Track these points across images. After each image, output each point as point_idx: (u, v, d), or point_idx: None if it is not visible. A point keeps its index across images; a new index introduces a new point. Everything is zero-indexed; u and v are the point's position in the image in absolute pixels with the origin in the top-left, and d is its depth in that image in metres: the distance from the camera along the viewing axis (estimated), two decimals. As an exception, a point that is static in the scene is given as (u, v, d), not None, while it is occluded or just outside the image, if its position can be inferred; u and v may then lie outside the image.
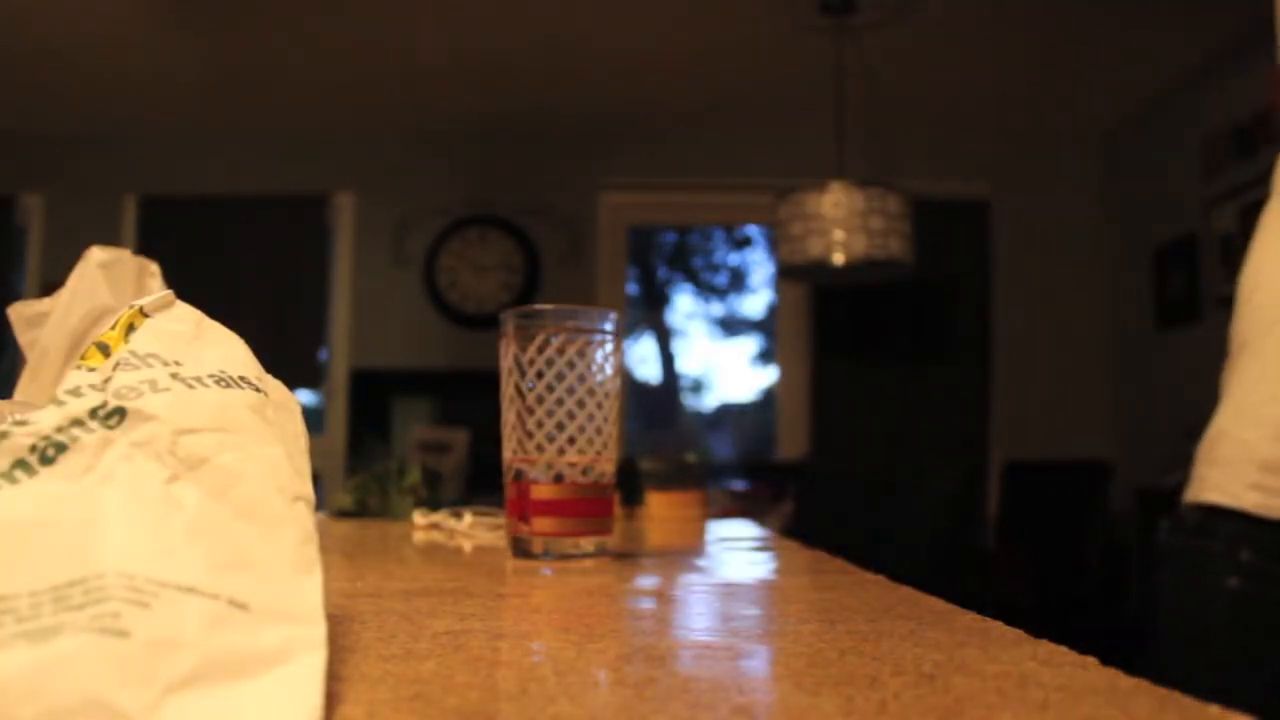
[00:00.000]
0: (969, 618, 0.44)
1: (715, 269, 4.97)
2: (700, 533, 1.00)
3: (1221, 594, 1.06)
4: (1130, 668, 0.33)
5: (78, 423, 0.29)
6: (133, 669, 0.22)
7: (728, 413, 4.89)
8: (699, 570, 0.66)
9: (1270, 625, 1.04)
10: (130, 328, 0.34)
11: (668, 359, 4.78)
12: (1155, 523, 1.22)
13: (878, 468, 3.61)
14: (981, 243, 3.92)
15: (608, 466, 0.68)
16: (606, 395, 0.67)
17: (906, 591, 0.53)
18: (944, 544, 3.35)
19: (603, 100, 3.71)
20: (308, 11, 3.03)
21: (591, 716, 0.27)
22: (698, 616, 0.46)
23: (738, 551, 0.80)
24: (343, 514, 1.17)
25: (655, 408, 4.80)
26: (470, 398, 3.77)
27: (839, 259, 2.67)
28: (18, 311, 0.55)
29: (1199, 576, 1.09)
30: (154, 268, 0.58)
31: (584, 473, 0.66)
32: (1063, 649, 0.36)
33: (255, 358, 0.36)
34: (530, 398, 0.66)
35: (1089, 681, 0.32)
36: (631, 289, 4.40)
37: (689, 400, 4.95)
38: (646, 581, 0.59)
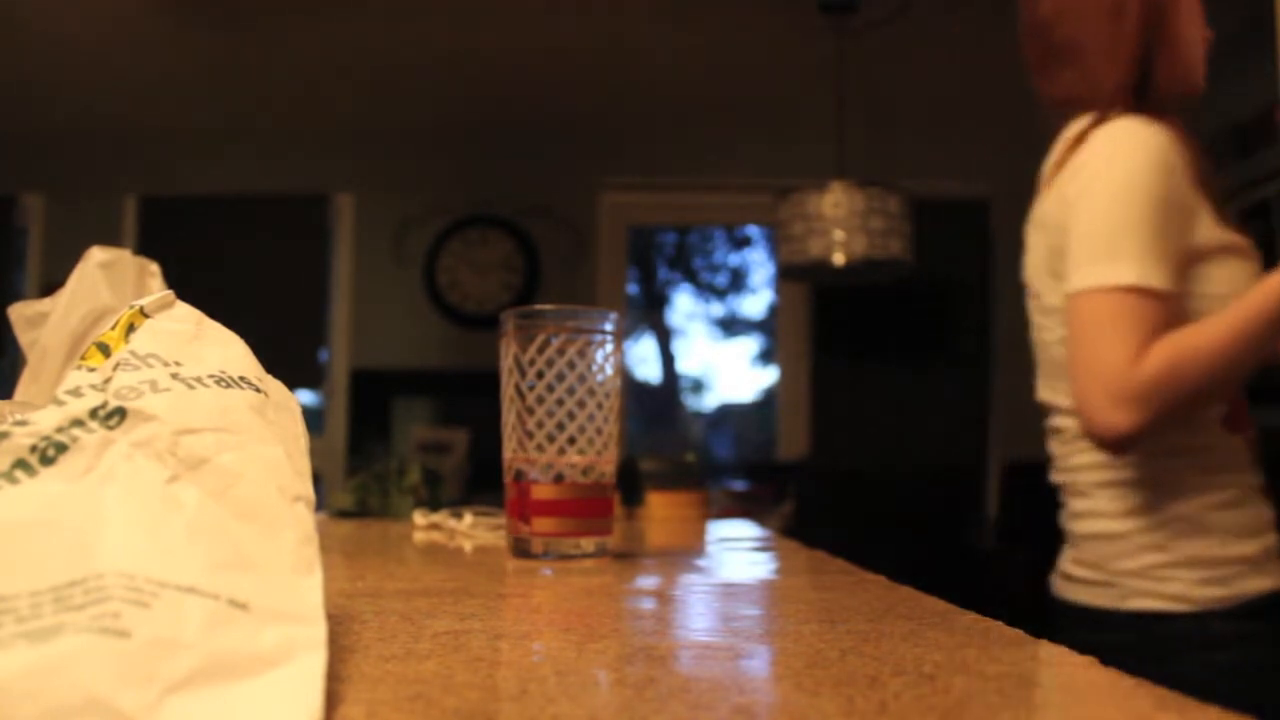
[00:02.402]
0: (969, 618, 0.44)
1: (715, 269, 4.97)
2: (700, 533, 1.00)
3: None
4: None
5: (78, 423, 0.29)
6: (133, 669, 0.22)
7: (728, 413, 4.89)
8: (699, 570, 0.66)
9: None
10: (130, 328, 0.34)
11: (668, 359, 4.78)
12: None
13: (878, 468, 3.61)
14: (981, 243, 3.92)
15: (608, 466, 0.68)
16: (607, 395, 0.67)
17: (907, 592, 0.53)
18: (944, 544, 3.35)
19: (603, 100, 3.71)
20: (308, 11, 3.03)
21: (591, 716, 0.27)
22: (698, 617, 0.46)
23: (738, 551, 0.80)
24: (343, 514, 1.17)
25: (655, 408, 4.80)
26: (470, 398, 3.78)
27: (839, 259, 2.67)
28: (18, 312, 0.55)
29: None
30: (154, 268, 0.58)
31: (584, 473, 0.66)
32: (1063, 649, 0.36)
33: (255, 358, 0.36)
34: (530, 398, 0.66)
35: (1089, 681, 0.32)
36: (632, 289, 4.40)
37: (689, 400, 4.95)
38: (647, 581, 0.59)
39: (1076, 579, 1.14)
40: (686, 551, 0.78)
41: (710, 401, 4.96)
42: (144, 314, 0.35)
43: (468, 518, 0.92)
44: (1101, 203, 1.01)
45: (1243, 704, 0.30)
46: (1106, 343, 0.97)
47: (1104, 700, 0.29)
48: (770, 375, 4.41)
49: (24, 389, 0.52)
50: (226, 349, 0.35)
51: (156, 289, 0.57)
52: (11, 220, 3.92)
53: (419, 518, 1.00)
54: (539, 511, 0.66)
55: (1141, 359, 0.96)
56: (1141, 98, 1.07)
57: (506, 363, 0.68)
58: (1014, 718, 0.27)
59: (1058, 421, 1.16)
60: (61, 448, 0.28)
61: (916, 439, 3.83)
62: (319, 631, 0.27)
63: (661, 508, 1.28)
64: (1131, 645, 1.05)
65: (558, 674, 0.32)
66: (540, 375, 0.66)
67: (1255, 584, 1.03)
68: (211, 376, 0.33)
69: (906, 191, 2.77)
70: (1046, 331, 1.14)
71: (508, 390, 0.68)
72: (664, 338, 4.80)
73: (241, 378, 0.34)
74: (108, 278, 0.54)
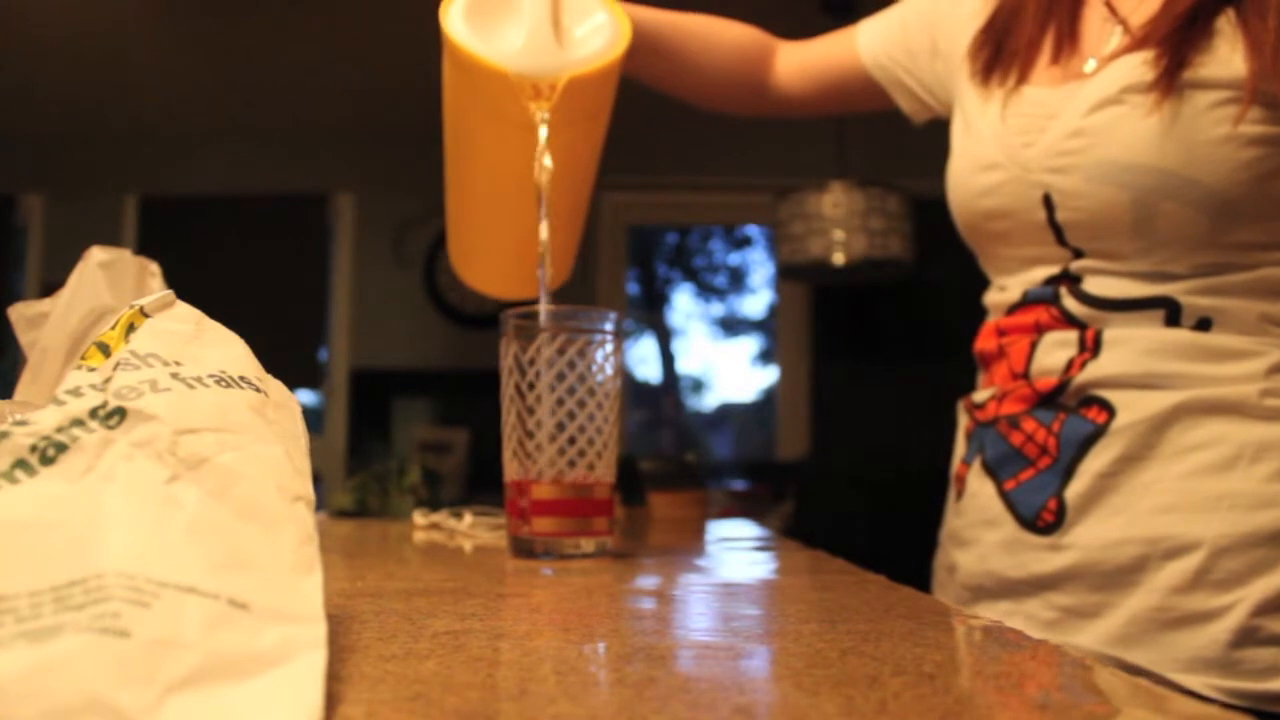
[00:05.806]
0: (969, 618, 0.44)
1: (715, 269, 4.97)
2: (700, 533, 1.00)
3: None
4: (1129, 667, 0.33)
5: (78, 423, 0.29)
6: (133, 669, 0.22)
7: (728, 413, 4.89)
8: (699, 570, 0.66)
9: None
10: (130, 328, 0.34)
11: (668, 359, 4.78)
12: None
13: (878, 468, 3.61)
14: (981, 243, 3.92)
15: (608, 466, 0.68)
16: (607, 395, 0.67)
17: (907, 591, 0.53)
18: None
19: (603, 100, 3.70)
20: (308, 12, 3.03)
21: (591, 716, 0.27)
22: (698, 616, 0.46)
23: (738, 551, 0.80)
24: (343, 514, 1.17)
25: (655, 408, 4.80)
26: (470, 398, 3.77)
27: (839, 259, 2.67)
28: (18, 312, 0.55)
29: None
30: (154, 268, 0.58)
31: (584, 473, 0.66)
32: (1062, 649, 0.36)
33: (255, 358, 0.36)
34: (530, 398, 0.66)
35: (1088, 681, 0.32)
36: (632, 289, 4.39)
37: (689, 400, 4.95)
38: (646, 581, 0.59)
39: None
40: (686, 551, 0.78)
41: (710, 401, 4.97)
42: (144, 314, 0.35)
43: (468, 518, 0.92)
44: None
45: None
46: None
47: (1104, 700, 0.29)
48: (770, 375, 4.41)
49: (24, 389, 0.52)
50: (226, 349, 0.35)
51: (156, 289, 0.57)
52: (11, 220, 3.92)
53: (419, 518, 1.00)
54: (539, 511, 0.66)
55: None
56: None
57: (506, 363, 0.68)
58: (1014, 718, 0.27)
59: None
60: (61, 448, 0.28)
61: (917, 439, 3.83)
62: (319, 631, 0.27)
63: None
64: None
65: (558, 674, 0.32)
66: (540, 375, 0.66)
67: None
68: (211, 376, 0.33)
69: (906, 191, 2.77)
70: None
71: (508, 390, 0.68)
72: (664, 338, 4.80)
73: (241, 378, 0.34)
74: (108, 278, 0.54)
